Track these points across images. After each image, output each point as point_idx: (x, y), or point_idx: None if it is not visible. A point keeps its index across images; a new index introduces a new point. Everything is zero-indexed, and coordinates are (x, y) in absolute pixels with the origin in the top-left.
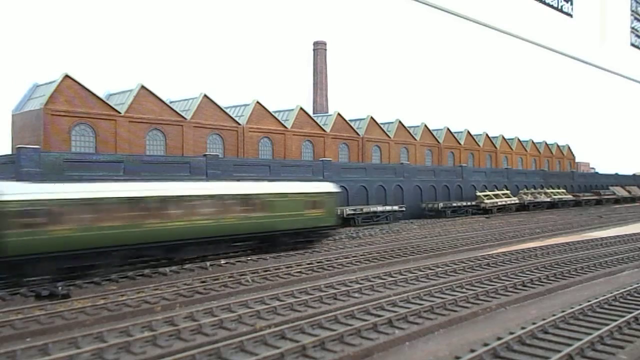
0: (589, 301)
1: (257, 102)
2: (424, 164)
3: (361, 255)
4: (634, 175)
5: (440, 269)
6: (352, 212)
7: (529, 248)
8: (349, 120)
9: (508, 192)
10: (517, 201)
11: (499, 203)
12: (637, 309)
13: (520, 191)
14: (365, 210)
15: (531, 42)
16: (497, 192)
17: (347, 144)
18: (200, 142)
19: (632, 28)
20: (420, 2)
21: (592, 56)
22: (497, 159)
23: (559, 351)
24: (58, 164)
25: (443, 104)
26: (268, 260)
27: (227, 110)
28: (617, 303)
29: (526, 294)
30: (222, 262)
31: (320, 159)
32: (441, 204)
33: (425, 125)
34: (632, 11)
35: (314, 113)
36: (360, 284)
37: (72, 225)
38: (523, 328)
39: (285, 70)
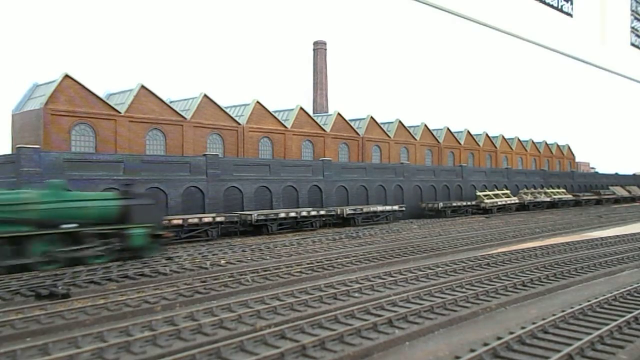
0: (589, 301)
1: (257, 102)
2: (424, 164)
3: (361, 255)
4: (634, 175)
5: (440, 268)
6: (352, 212)
7: (529, 248)
8: (349, 120)
9: (508, 192)
10: (517, 201)
11: (499, 203)
12: (637, 309)
13: (520, 191)
14: (365, 210)
15: (531, 42)
16: (497, 192)
17: (347, 143)
18: (200, 142)
19: (632, 28)
20: (420, 2)
21: (592, 56)
22: (497, 159)
23: (559, 351)
24: (58, 163)
25: (443, 104)
26: (268, 260)
27: (227, 110)
28: (617, 303)
29: (526, 294)
30: (222, 262)
31: (320, 159)
32: (441, 204)
33: (425, 125)
34: (632, 11)
35: (314, 113)
36: (360, 283)
37: None
38: (523, 328)
39: (285, 70)
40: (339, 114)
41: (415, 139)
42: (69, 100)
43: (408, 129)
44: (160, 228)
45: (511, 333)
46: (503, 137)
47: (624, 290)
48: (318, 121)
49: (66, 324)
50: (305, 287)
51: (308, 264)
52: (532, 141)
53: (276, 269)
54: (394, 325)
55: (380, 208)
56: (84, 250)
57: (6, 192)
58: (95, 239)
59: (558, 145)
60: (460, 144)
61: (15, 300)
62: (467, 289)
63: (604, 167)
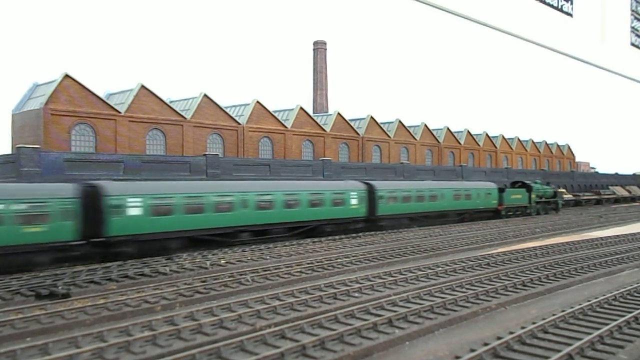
0: (588, 301)
1: (257, 102)
2: (424, 164)
3: (361, 255)
4: (634, 175)
5: (440, 268)
6: None
7: (528, 248)
8: (349, 120)
9: None
10: None
11: None
12: (637, 309)
13: None
14: None
15: (532, 42)
16: None
17: (347, 143)
18: (200, 142)
19: (632, 28)
20: (421, 2)
21: (592, 56)
22: (497, 159)
23: (559, 351)
24: (58, 163)
25: (443, 103)
26: (268, 260)
27: (227, 110)
28: (617, 303)
29: (526, 294)
30: (222, 261)
31: (320, 159)
32: None
33: (425, 125)
34: (632, 11)
35: (314, 113)
36: (360, 283)
37: None
38: (523, 328)
39: (286, 70)
40: (339, 114)
41: (415, 139)
42: (69, 100)
43: (408, 129)
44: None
45: (511, 333)
46: (503, 137)
47: (624, 290)
48: (318, 121)
49: (66, 323)
50: (305, 287)
51: (308, 263)
52: (532, 141)
53: (276, 268)
54: (394, 325)
55: None
56: (547, 207)
57: (537, 185)
58: (550, 203)
59: (558, 145)
60: (460, 144)
61: (15, 300)
62: (467, 288)
63: (604, 167)
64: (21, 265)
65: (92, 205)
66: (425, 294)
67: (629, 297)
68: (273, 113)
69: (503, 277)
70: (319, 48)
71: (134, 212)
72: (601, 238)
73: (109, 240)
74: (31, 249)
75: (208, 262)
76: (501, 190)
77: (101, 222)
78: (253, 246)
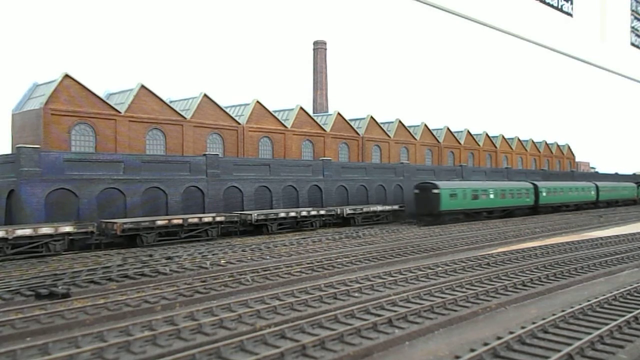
0: (588, 301)
1: (257, 102)
2: (424, 164)
3: (361, 255)
4: (634, 175)
5: (440, 268)
6: (352, 211)
7: (528, 248)
8: (349, 120)
9: None
10: None
11: None
12: (637, 309)
13: None
14: (365, 209)
15: (531, 42)
16: None
17: (347, 143)
18: (200, 142)
19: (632, 28)
20: (421, 1)
21: (592, 55)
22: (497, 159)
23: (559, 351)
24: (58, 163)
25: (443, 103)
26: (268, 260)
27: (227, 110)
28: (617, 302)
29: (526, 294)
30: (222, 261)
31: (320, 159)
32: None
33: (425, 125)
34: (632, 11)
35: (314, 112)
36: (360, 283)
37: None
38: (523, 327)
39: (286, 70)
40: (339, 113)
41: (415, 139)
42: (69, 100)
43: (408, 128)
44: None
45: (511, 333)
46: (503, 137)
47: (623, 290)
48: (318, 121)
49: (66, 323)
50: (305, 286)
51: (308, 263)
52: (532, 141)
53: (276, 268)
54: (394, 325)
55: (380, 208)
56: None
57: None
58: None
59: (558, 145)
60: (460, 143)
61: (15, 300)
62: (467, 288)
63: (604, 167)
64: (507, 214)
65: (535, 191)
66: (425, 294)
67: (629, 297)
68: (273, 113)
69: (503, 277)
70: (319, 48)
71: (545, 194)
72: (601, 238)
73: (537, 205)
74: (521, 207)
75: (208, 262)
76: (638, 186)
77: (536, 197)
78: (253, 246)
